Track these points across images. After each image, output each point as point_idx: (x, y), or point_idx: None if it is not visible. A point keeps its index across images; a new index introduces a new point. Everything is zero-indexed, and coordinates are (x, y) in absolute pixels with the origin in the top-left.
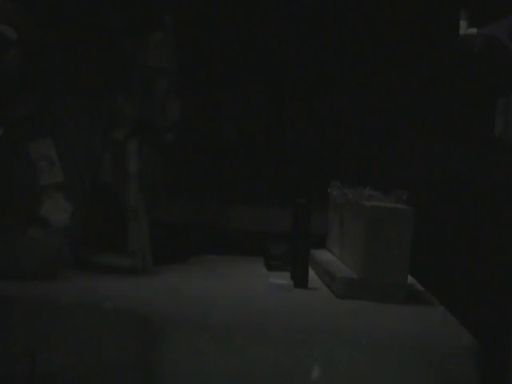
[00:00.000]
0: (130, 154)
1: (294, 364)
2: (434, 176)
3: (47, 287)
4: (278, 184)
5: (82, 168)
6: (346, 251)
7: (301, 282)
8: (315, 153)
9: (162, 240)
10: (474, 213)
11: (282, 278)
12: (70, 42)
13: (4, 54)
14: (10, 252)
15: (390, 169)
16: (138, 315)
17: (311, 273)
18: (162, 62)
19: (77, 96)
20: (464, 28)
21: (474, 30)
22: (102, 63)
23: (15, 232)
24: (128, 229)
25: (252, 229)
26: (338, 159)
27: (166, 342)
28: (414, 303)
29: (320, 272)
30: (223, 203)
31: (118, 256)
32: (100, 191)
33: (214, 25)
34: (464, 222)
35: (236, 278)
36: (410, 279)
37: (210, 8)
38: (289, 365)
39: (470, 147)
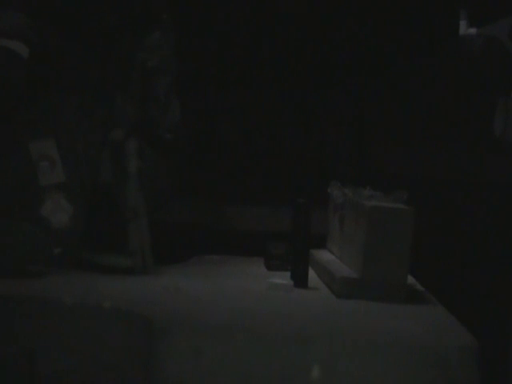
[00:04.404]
0: (130, 153)
1: (293, 364)
2: (434, 176)
3: (47, 287)
4: (278, 184)
5: (82, 168)
6: (346, 251)
7: (301, 281)
8: (315, 153)
9: (162, 240)
10: (473, 213)
11: (282, 278)
12: (69, 43)
13: (16, 71)
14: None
15: (390, 169)
16: (138, 315)
17: (311, 273)
18: (162, 62)
19: (76, 96)
20: (464, 28)
21: (473, 30)
22: (101, 63)
23: (8, 227)
24: (128, 229)
25: (252, 229)
26: (337, 159)
27: (166, 342)
28: (413, 303)
29: (320, 272)
30: (223, 203)
31: (118, 256)
32: (100, 191)
33: (213, 24)
34: (464, 222)
35: (236, 277)
36: (410, 279)
37: (209, 7)
38: (289, 365)
39: (470, 147)
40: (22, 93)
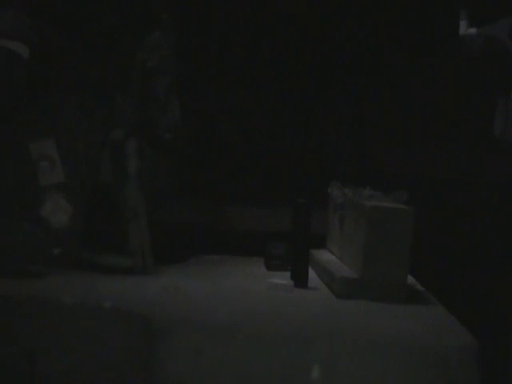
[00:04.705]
0: (130, 153)
1: (293, 364)
2: (434, 176)
3: (47, 287)
4: (278, 184)
5: (82, 168)
6: (346, 251)
7: (301, 281)
8: (315, 153)
9: (162, 240)
10: (473, 213)
11: (282, 278)
12: (69, 43)
13: (16, 71)
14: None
15: (390, 169)
16: (138, 315)
17: (311, 273)
18: (162, 62)
19: (76, 96)
20: (464, 28)
21: (473, 30)
22: (101, 63)
23: (8, 227)
24: (128, 229)
25: (252, 229)
26: (337, 159)
27: (166, 342)
28: (414, 303)
29: (320, 272)
30: (223, 203)
31: (118, 256)
32: (100, 191)
33: (213, 24)
34: (464, 222)
35: (236, 277)
36: (410, 279)
37: (209, 7)
38: (289, 365)
39: (470, 147)
40: (22, 93)
